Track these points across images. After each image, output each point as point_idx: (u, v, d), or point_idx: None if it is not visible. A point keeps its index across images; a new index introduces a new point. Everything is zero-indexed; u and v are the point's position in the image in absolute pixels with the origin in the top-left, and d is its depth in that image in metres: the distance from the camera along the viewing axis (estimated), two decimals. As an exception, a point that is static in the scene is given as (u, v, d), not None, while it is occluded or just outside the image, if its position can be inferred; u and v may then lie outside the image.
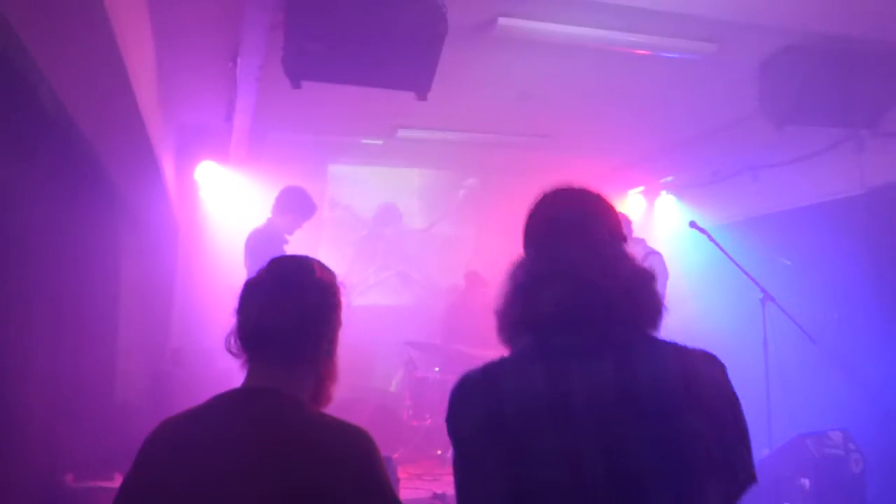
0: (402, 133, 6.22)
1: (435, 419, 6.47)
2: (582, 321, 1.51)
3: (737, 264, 5.35)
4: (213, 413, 1.70)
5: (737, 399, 1.52)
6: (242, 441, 1.62)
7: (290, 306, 1.73)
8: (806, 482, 4.33)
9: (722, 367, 1.53)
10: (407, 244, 8.50)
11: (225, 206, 6.64)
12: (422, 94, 4.01)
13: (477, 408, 1.52)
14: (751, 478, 1.52)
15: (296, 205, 5.51)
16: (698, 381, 1.46)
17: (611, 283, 1.52)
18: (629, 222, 5.84)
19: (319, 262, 1.86)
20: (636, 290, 1.55)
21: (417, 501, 4.83)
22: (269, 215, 5.55)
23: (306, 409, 1.70)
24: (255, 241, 5.38)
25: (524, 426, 1.45)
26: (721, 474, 1.45)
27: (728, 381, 1.52)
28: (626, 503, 1.39)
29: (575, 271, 1.54)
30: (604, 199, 1.70)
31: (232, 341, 1.76)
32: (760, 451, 4.92)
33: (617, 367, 1.47)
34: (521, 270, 1.61)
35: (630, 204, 7.98)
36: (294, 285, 1.76)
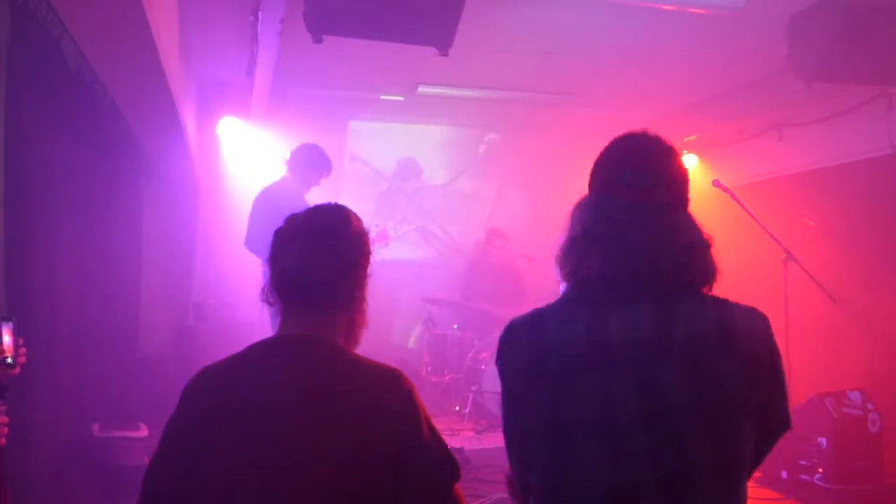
0: (422, 89, 6.17)
1: (453, 375, 6.53)
2: (627, 280, 1.55)
3: (760, 224, 5.31)
4: (255, 360, 1.72)
5: (776, 350, 1.56)
6: (286, 385, 1.65)
7: (331, 255, 1.74)
8: (824, 441, 4.34)
9: (764, 320, 1.57)
10: (427, 199, 8.49)
11: (246, 162, 6.65)
12: (444, 49, 3.97)
13: (522, 349, 1.62)
14: (785, 424, 1.58)
15: (309, 162, 5.38)
16: (735, 331, 1.50)
17: (663, 252, 1.54)
18: None
19: (353, 211, 1.88)
20: (689, 259, 1.56)
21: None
22: (285, 174, 5.44)
23: (345, 352, 1.74)
24: (260, 200, 5.29)
25: (563, 366, 1.54)
26: (755, 420, 1.49)
27: (769, 333, 1.56)
28: (659, 441, 1.44)
29: (628, 235, 1.56)
30: (675, 157, 1.69)
31: (269, 291, 1.77)
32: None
33: (655, 315, 1.51)
34: (580, 219, 1.63)
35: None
36: (335, 234, 1.77)
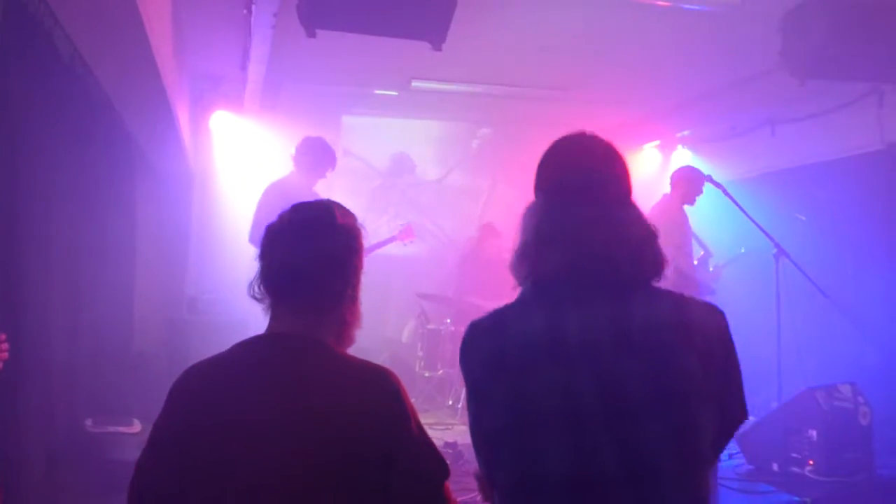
0: (416, 84, 6.17)
1: (447, 370, 6.54)
2: (583, 278, 1.59)
3: (751, 219, 5.33)
4: (241, 358, 1.71)
5: (731, 342, 1.60)
6: (273, 384, 1.64)
7: (314, 252, 1.72)
8: (814, 433, 4.37)
9: (720, 314, 1.61)
10: (420, 195, 8.49)
11: (239, 156, 6.63)
12: (437, 44, 3.97)
13: (483, 348, 1.64)
14: (742, 413, 1.62)
15: (314, 155, 5.36)
16: (691, 325, 1.54)
17: (615, 249, 1.58)
18: (702, 178, 5.71)
19: (340, 206, 1.85)
20: (640, 253, 1.61)
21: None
22: (293, 168, 5.42)
23: (333, 351, 1.72)
24: (267, 195, 5.28)
25: (523, 363, 1.56)
26: (713, 410, 1.53)
27: (724, 327, 1.60)
28: (620, 433, 1.48)
29: (579, 236, 1.60)
30: (615, 152, 1.73)
31: (256, 287, 1.76)
32: (770, 403, 4.96)
33: (612, 310, 1.55)
34: (530, 225, 1.68)
35: (645, 157, 7.92)
36: (317, 231, 1.75)
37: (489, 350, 1.62)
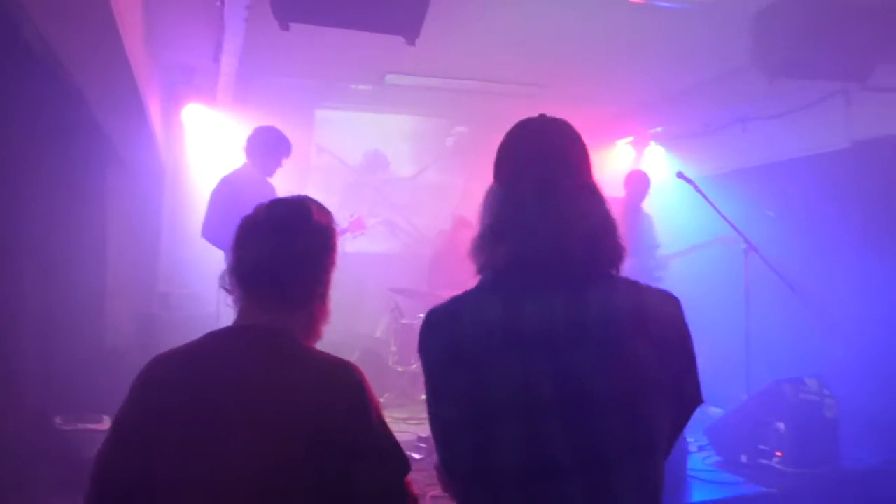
0: (390, 79, 6.15)
1: (419, 364, 6.54)
2: (538, 268, 1.59)
3: (721, 215, 5.40)
4: (207, 349, 1.71)
5: (687, 331, 1.60)
6: (237, 375, 1.64)
7: (286, 249, 1.73)
8: (782, 426, 4.45)
9: (676, 302, 1.61)
10: (394, 192, 8.48)
11: (211, 149, 6.57)
12: (411, 39, 3.96)
13: (440, 338, 1.65)
14: (697, 400, 1.62)
15: (266, 145, 5.25)
16: (647, 313, 1.54)
17: (568, 240, 1.58)
18: (646, 181, 6.35)
19: (317, 204, 1.86)
20: (595, 243, 1.61)
21: (402, 445, 4.92)
22: (245, 160, 5.31)
23: (299, 344, 1.73)
24: (219, 189, 5.17)
25: (479, 352, 1.56)
26: (669, 397, 1.53)
27: (680, 315, 1.60)
28: (574, 423, 1.48)
29: (535, 230, 1.60)
30: (573, 136, 1.72)
31: (227, 278, 1.76)
32: (739, 396, 5.04)
33: (568, 298, 1.55)
34: (487, 215, 1.68)
35: (618, 153, 7.98)
36: (291, 228, 1.76)
37: (446, 340, 1.63)
